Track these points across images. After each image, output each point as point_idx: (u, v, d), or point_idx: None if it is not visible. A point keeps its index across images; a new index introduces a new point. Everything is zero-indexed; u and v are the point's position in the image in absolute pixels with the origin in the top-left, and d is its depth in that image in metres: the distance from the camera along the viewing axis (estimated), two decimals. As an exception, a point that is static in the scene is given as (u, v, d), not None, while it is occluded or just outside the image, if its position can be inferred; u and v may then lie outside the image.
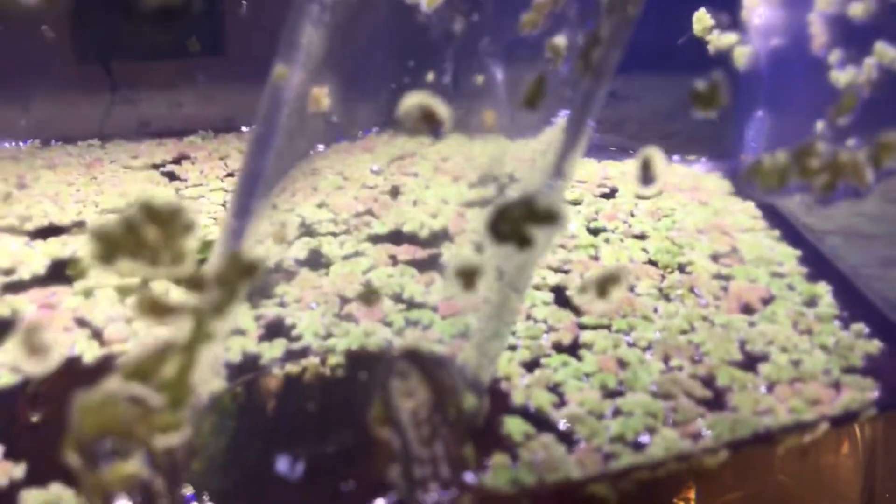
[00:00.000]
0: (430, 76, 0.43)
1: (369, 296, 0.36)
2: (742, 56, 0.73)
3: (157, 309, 0.25)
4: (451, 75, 0.44)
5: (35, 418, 0.40)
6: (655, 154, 0.31)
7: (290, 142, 0.40)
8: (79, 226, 0.67)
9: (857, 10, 0.55)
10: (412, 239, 0.61)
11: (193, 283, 0.25)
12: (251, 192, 0.40)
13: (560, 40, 0.40)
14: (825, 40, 0.62)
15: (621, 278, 0.31)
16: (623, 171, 0.85)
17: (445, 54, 0.43)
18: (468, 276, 0.29)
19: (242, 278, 0.26)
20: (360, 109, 0.46)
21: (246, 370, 0.44)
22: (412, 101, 0.32)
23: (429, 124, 0.32)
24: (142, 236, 0.24)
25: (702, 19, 0.72)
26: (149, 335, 0.47)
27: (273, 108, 0.37)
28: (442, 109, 0.32)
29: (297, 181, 0.47)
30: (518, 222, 0.29)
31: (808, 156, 0.34)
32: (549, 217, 0.29)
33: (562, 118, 0.38)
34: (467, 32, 0.42)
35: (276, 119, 0.39)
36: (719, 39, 0.70)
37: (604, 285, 0.31)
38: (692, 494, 0.40)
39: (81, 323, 0.49)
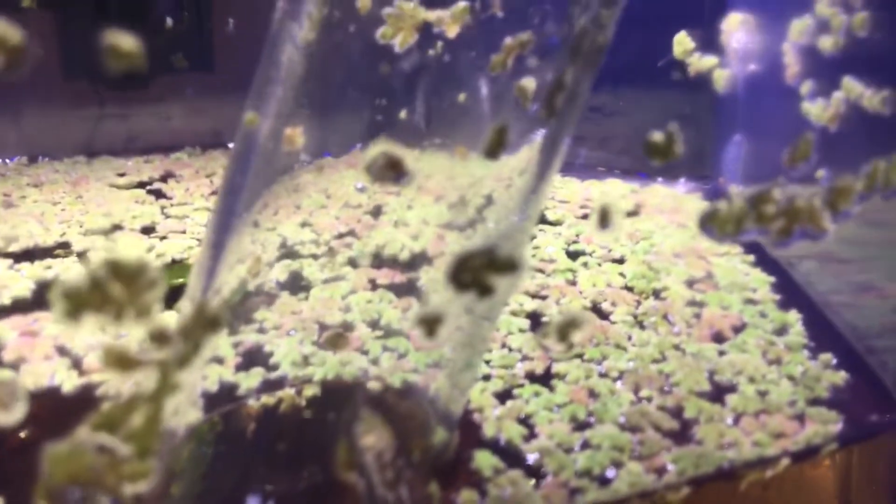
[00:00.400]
0: (403, 113, 0.45)
1: (335, 339, 0.37)
2: (721, 79, 0.74)
3: (123, 361, 0.26)
4: (424, 111, 0.45)
5: (6, 442, 0.41)
6: (612, 205, 0.32)
7: (267, 163, 0.41)
8: (63, 247, 0.68)
9: (826, 44, 0.56)
10: (392, 262, 0.62)
11: (159, 336, 0.26)
12: (230, 214, 0.41)
13: (528, 82, 0.41)
14: (798, 70, 0.63)
15: (582, 323, 0.32)
16: (605, 192, 0.86)
17: (419, 91, 0.44)
18: (430, 325, 0.30)
19: (206, 331, 0.27)
20: (344, 124, 0.47)
21: (223, 400, 0.45)
22: (376, 149, 0.33)
23: (393, 172, 0.33)
24: (107, 293, 0.25)
25: (682, 42, 0.74)
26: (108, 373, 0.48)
27: (244, 153, 0.38)
28: (406, 157, 0.33)
29: (280, 198, 0.48)
30: (478, 272, 0.30)
31: (764, 202, 0.35)
32: (510, 266, 0.30)
33: (538, 138, 0.39)
34: (439, 71, 0.43)
35: (254, 146, 0.39)
36: (699, 62, 0.71)
37: (564, 330, 0.32)
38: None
39: (62, 351, 0.50)
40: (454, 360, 0.40)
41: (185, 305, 0.38)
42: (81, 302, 0.25)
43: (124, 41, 0.24)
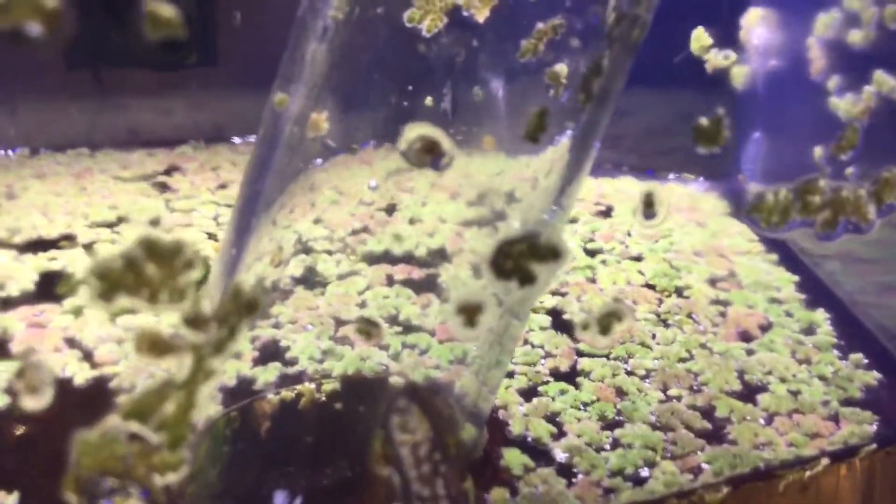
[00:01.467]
0: (429, 100, 0.44)
1: (369, 328, 0.36)
2: (739, 76, 0.73)
3: (157, 346, 0.25)
4: (450, 99, 0.44)
5: (20, 434, 0.40)
6: (658, 189, 0.32)
7: (289, 161, 0.41)
8: (67, 239, 0.67)
9: (855, 38, 0.56)
10: (408, 258, 0.61)
11: (194, 319, 0.25)
12: (250, 214, 0.40)
13: (560, 68, 0.40)
14: (824, 65, 0.62)
15: (624, 314, 0.31)
16: (618, 189, 0.86)
17: (444, 78, 0.43)
18: (470, 313, 0.29)
19: (243, 315, 0.26)
20: (357, 122, 0.46)
21: (240, 395, 0.44)
22: (414, 132, 0.32)
23: (431, 155, 0.32)
24: (142, 273, 0.24)
25: (700, 38, 0.73)
26: (140, 358, 0.47)
27: (273, 132, 0.37)
28: (444, 140, 0.32)
29: (296, 196, 0.47)
30: (520, 259, 0.29)
31: (809, 193, 0.34)
32: (552, 254, 0.29)
33: (565, 138, 0.38)
34: (467, 57, 0.42)
35: (276, 142, 0.39)
36: (717, 58, 0.71)
37: (606, 321, 0.31)
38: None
39: (72, 343, 0.49)
40: (483, 358, 0.39)
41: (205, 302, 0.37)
42: (115, 282, 0.24)
43: (163, 8, 0.23)
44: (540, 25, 0.40)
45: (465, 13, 0.41)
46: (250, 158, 0.39)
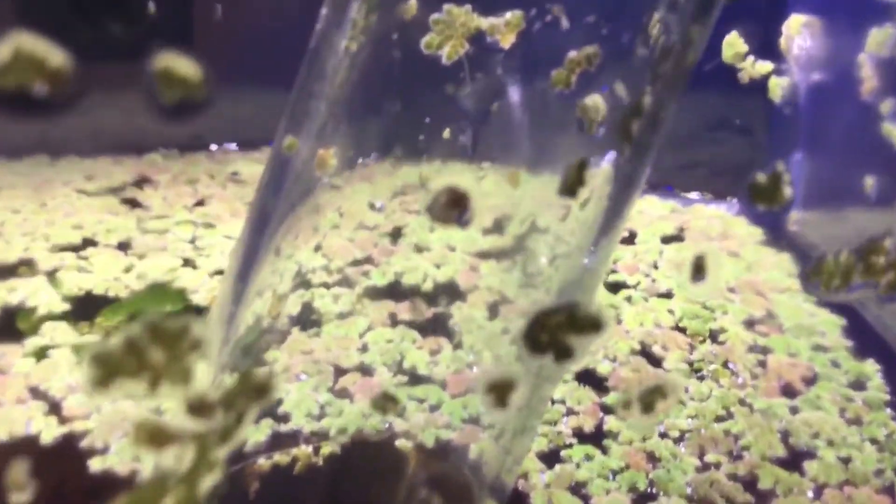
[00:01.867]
0: (447, 133, 0.44)
1: (385, 404, 0.36)
2: (777, 87, 0.74)
3: (157, 437, 0.25)
4: (471, 132, 0.44)
5: None
6: (709, 252, 0.32)
7: (295, 188, 0.41)
8: (27, 265, 0.66)
9: (914, 59, 0.57)
10: (414, 293, 0.61)
11: (198, 406, 0.25)
12: (256, 248, 0.40)
13: (593, 102, 0.40)
14: (876, 85, 0.63)
15: (668, 392, 0.31)
16: (641, 210, 0.86)
17: (466, 109, 0.43)
18: (500, 392, 0.29)
19: (252, 400, 0.26)
20: (360, 135, 0.47)
21: (230, 458, 0.44)
22: (440, 183, 0.32)
23: (457, 209, 0.32)
24: (145, 357, 0.24)
25: (734, 44, 0.73)
26: (114, 412, 0.47)
27: (280, 175, 0.38)
28: (471, 193, 0.32)
29: (301, 220, 0.47)
30: (557, 332, 0.29)
31: (874, 253, 0.34)
32: (592, 326, 0.30)
33: (604, 165, 0.38)
34: (491, 87, 0.43)
35: (283, 185, 0.39)
36: (753, 67, 0.71)
37: (649, 398, 0.32)
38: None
39: (36, 393, 0.49)
40: (508, 423, 0.39)
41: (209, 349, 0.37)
42: (115, 369, 0.24)
43: (180, 65, 0.23)
44: (572, 54, 0.41)
45: (489, 39, 0.41)
46: (259, 188, 0.39)
